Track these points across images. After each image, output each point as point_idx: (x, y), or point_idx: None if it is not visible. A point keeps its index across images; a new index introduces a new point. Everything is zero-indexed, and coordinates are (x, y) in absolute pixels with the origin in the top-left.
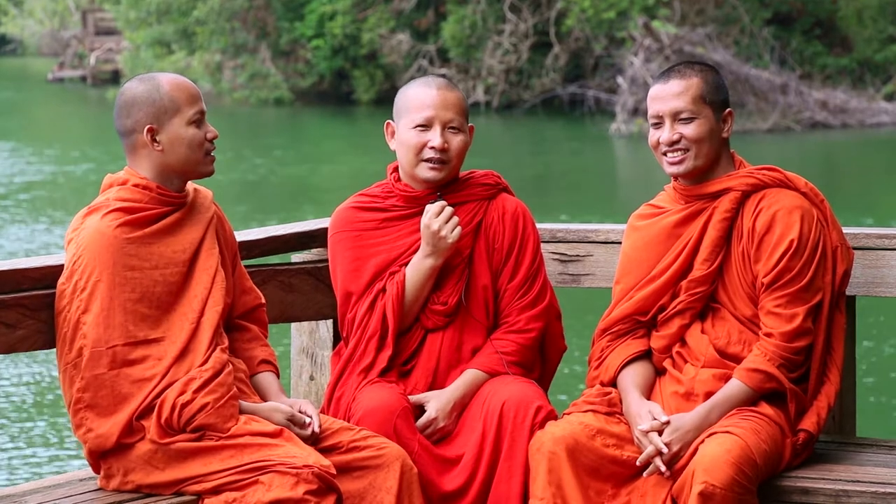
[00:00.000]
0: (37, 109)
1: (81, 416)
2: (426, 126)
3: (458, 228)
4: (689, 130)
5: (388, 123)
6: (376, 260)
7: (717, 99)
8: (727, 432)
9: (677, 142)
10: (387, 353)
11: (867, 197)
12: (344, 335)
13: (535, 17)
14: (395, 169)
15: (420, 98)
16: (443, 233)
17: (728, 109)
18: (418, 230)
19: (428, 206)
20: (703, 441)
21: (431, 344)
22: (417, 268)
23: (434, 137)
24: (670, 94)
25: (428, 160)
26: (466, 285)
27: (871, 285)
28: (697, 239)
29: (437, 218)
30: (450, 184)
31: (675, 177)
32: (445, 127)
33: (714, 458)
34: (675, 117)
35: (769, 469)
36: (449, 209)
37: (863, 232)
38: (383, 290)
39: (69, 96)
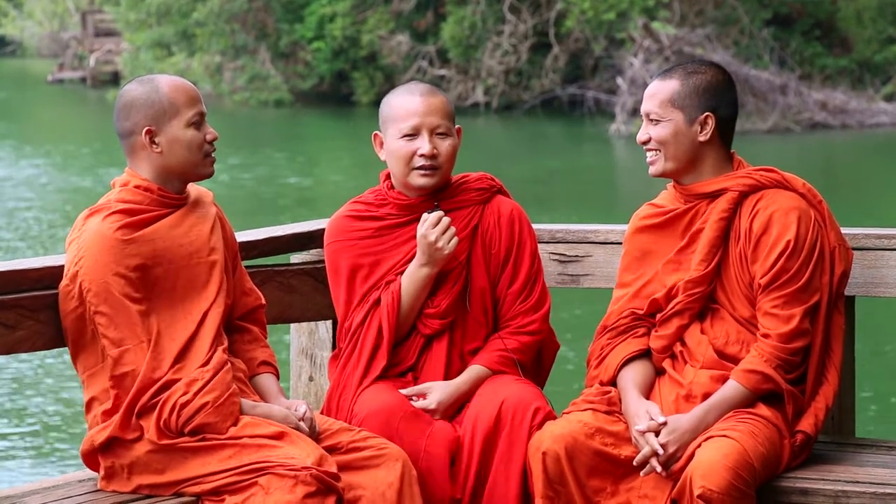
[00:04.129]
0: (37, 110)
1: (95, 414)
2: (413, 134)
3: (455, 239)
4: (655, 132)
5: (376, 135)
6: (373, 269)
7: (691, 103)
8: (724, 436)
9: (647, 142)
10: (380, 363)
11: (866, 197)
12: (340, 345)
13: (534, 17)
14: (388, 177)
15: (405, 107)
16: (440, 244)
17: (706, 114)
18: (414, 238)
19: (425, 216)
20: (699, 445)
21: (433, 351)
22: (413, 277)
23: (423, 145)
24: (647, 96)
25: (419, 168)
26: (467, 289)
27: (871, 285)
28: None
29: (434, 229)
30: (443, 189)
31: (655, 176)
32: (433, 133)
33: (711, 463)
34: (648, 118)
35: (767, 472)
36: (446, 220)
37: (862, 232)
38: (378, 300)
39: (69, 97)
